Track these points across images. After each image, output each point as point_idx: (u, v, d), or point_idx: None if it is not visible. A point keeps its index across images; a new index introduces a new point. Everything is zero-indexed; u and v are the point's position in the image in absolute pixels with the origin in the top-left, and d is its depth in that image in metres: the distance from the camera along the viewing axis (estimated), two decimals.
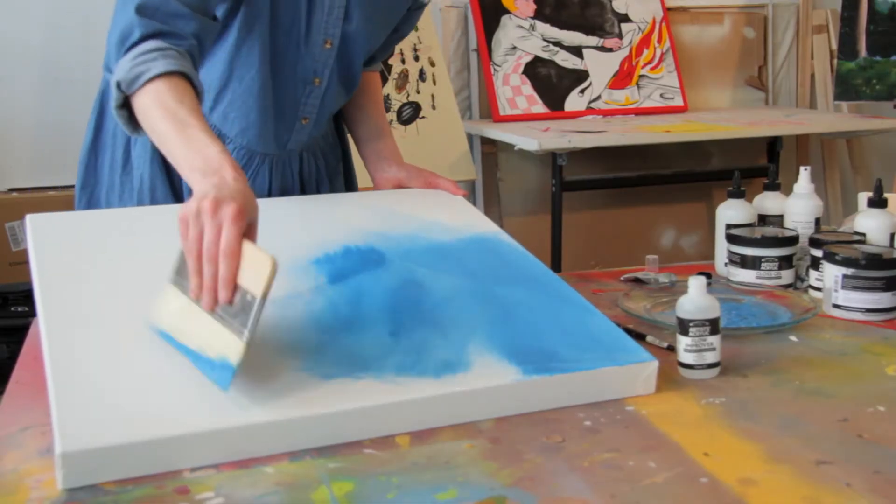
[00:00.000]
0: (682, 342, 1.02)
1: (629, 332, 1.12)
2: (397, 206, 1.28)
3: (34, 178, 2.88)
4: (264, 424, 0.83)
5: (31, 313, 2.39)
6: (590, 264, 3.35)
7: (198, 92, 1.09)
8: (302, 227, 1.17)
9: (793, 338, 1.16)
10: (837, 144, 3.63)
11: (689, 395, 0.98)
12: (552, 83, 3.22)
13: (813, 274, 1.33)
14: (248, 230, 0.89)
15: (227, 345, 0.85)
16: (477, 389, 0.90)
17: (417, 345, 0.95)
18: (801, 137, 3.58)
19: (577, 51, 3.27)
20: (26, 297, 2.61)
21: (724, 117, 3.21)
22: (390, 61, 2.85)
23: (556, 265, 2.89)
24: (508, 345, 0.97)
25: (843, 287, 1.23)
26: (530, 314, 1.03)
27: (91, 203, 1.33)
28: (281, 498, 0.76)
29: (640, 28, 3.37)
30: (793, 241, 1.35)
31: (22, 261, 2.61)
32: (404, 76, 2.87)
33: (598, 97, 3.28)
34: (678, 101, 3.37)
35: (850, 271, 1.22)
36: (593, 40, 3.31)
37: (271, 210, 1.19)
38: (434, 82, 2.91)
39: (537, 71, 3.21)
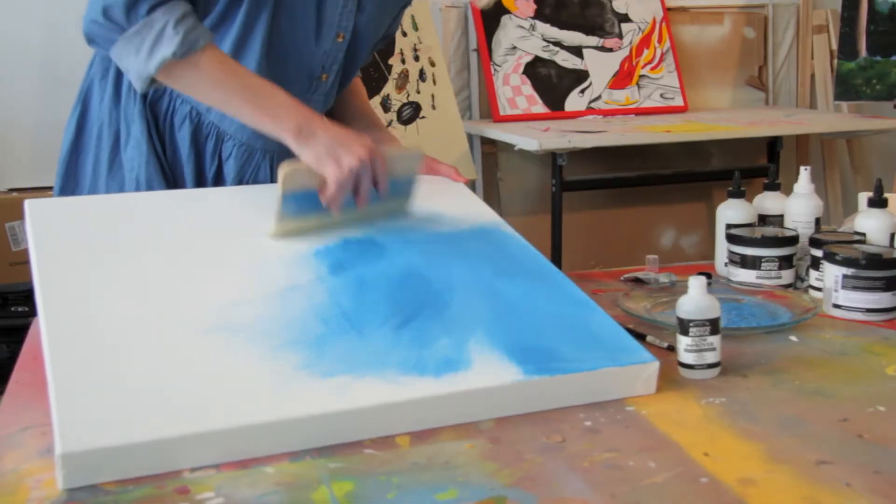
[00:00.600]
0: (683, 342, 1.02)
1: (629, 332, 1.12)
2: None
3: (34, 177, 2.88)
4: (264, 424, 0.83)
5: (32, 313, 2.39)
6: (590, 264, 3.35)
7: None
8: None
9: (793, 338, 1.16)
10: (837, 144, 3.63)
11: (690, 395, 0.98)
12: (552, 83, 3.22)
13: (813, 274, 1.33)
14: None
15: (391, 206, 1.20)
16: (477, 389, 0.90)
17: (419, 340, 0.95)
18: (802, 137, 3.58)
19: (577, 51, 3.27)
20: (26, 296, 2.61)
21: (725, 117, 3.21)
22: (390, 61, 2.85)
23: (556, 265, 2.87)
24: (509, 342, 0.97)
25: (844, 287, 1.23)
26: (531, 309, 1.03)
27: None
28: (281, 498, 0.76)
29: (640, 28, 3.37)
30: (793, 241, 1.35)
31: (22, 261, 2.61)
32: (404, 76, 2.87)
33: (599, 97, 3.28)
34: (678, 101, 3.38)
35: (850, 271, 1.22)
36: (593, 40, 3.31)
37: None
38: (434, 82, 2.92)
39: (537, 71, 3.21)
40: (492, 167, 3.28)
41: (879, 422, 0.91)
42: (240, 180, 1.29)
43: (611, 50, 3.33)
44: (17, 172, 2.90)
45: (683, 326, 1.02)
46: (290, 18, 1.23)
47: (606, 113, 3.26)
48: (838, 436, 0.88)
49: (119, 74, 1.27)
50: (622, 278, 1.44)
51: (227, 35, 1.22)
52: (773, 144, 3.36)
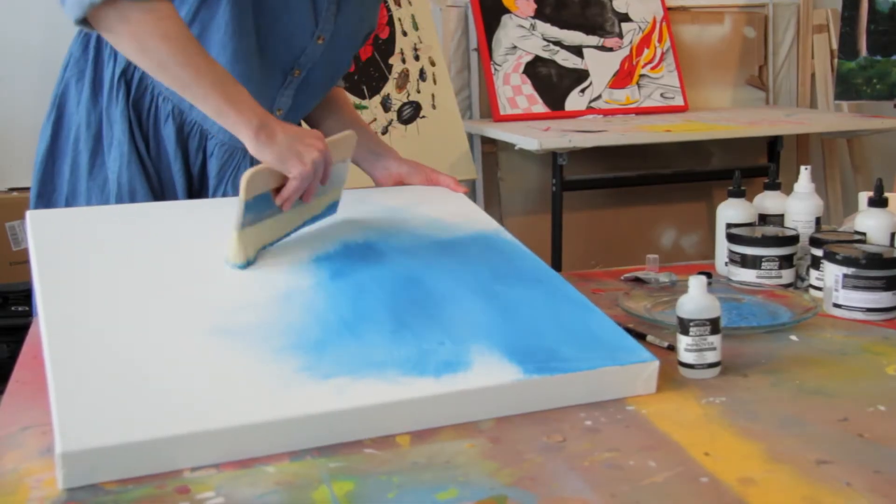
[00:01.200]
0: (683, 342, 1.02)
1: (629, 331, 1.12)
2: (397, 203, 1.28)
3: None
4: (265, 424, 0.83)
5: (32, 313, 2.39)
6: (590, 264, 3.35)
7: None
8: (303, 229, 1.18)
9: (793, 337, 1.16)
10: (838, 144, 3.63)
11: (690, 394, 0.98)
12: (552, 83, 3.22)
13: (813, 273, 1.33)
14: None
15: (329, 198, 1.21)
16: (477, 389, 0.90)
17: (418, 343, 0.95)
18: (802, 137, 3.58)
19: (577, 50, 3.27)
20: (26, 296, 2.61)
21: (725, 117, 3.21)
22: (390, 60, 2.85)
23: (556, 264, 2.89)
24: (509, 343, 0.97)
25: (844, 286, 1.23)
26: (531, 312, 1.03)
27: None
28: (281, 497, 0.76)
29: (640, 28, 3.37)
30: (793, 240, 1.35)
31: (22, 260, 2.61)
32: (405, 76, 2.87)
33: (599, 97, 3.28)
34: (678, 101, 3.38)
35: (850, 271, 1.22)
36: (594, 40, 3.31)
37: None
38: (434, 82, 2.91)
39: (538, 70, 3.21)
40: (492, 167, 3.28)
41: (880, 421, 0.91)
42: (220, 178, 1.29)
43: (611, 49, 3.33)
44: (17, 172, 2.90)
45: (684, 326, 1.02)
46: (270, 15, 1.23)
47: (607, 112, 3.26)
48: (838, 435, 0.88)
49: (96, 76, 1.27)
50: (622, 278, 1.44)
51: (208, 22, 1.20)
52: (773, 144, 3.36)
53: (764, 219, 1.45)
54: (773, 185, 1.47)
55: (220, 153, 1.29)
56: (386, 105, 2.82)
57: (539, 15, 3.22)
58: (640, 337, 1.13)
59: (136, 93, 1.25)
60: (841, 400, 0.96)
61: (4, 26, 2.85)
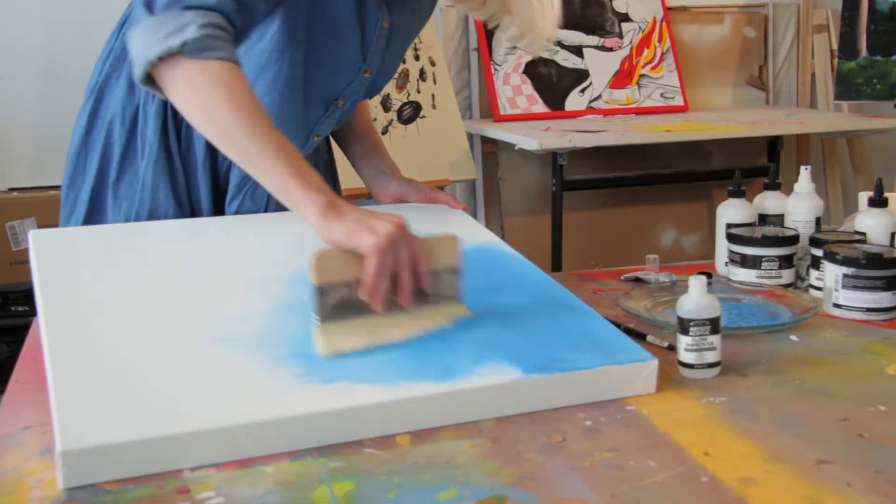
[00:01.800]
0: (683, 342, 1.02)
1: (629, 331, 1.12)
2: None
3: (34, 177, 2.89)
4: (265, 423, 0.83)
5: (32, 313, 2.39)
6: (590, 264, 3.35)
7: None
8: (303, 240, 1.17)
9: (793, 337, 1.16)
10: (838, 144, 3.63)
11: (690, 394, 0.98)
12: (552, 83, 3.22)
13: (813, 273, 1.33)
14: None
15: (449, 312, 1.03)
16: (477, 389, 0.90)
17: (418, 352, 0.95)
18: (802, 137, 3.58)
19: (577, 50, 3.27)
20: (26, 296, 2.62)
21: (725, 117, 3.21)
22: None
23: (556, 265, 2.89)
24: (510, 349, 0.97)
25: (844, 286, 1.23)
26: (531, 320, 1.04)
27: (78, 202, 1.30)
28: (281, 497, 0.77)
29: (640, 27, 3.37)
30: (793, 240, 1.35)
31: (22, 260, 2.61)
32: (405, 75, 2.87)
33: (599, 97, 3.28)
34: (678, 101, 3.38)
35: (850, 271, 1.22)
36: (594, 40, 3.31)
37: (274, 223, 1.20)
38: (434, 82, 2.92)
39: (538, 70, 3.21)
40: (492, 167, 3.28)
41: (880, 421, 0.91)
42: (240, 188, 1.28)
43: (611, 49, 3.33)
44: (17, 172, 2.91)
45: (684, 326, 1.02)
46: (319, 49, 1.22)
47: (607, 112, 3.26)
48: (839, 435, 0.88)
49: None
50: (622, 278, 1.44)
51: (255, 58, 1.19)
52: (773, 144, 3.36)
53: (764, 219, 1.45)
54: (773, 186, 1.47)
55: (238, 168, 1.27)
56: (386, 105, 2.82)
57: None
58: (640, 337, 1.13)
59: None
60: (841, 400, 0.96)
61: (4, 26, 2.85)
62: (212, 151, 1.26)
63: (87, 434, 0.79)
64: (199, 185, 1.27)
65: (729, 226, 1.41)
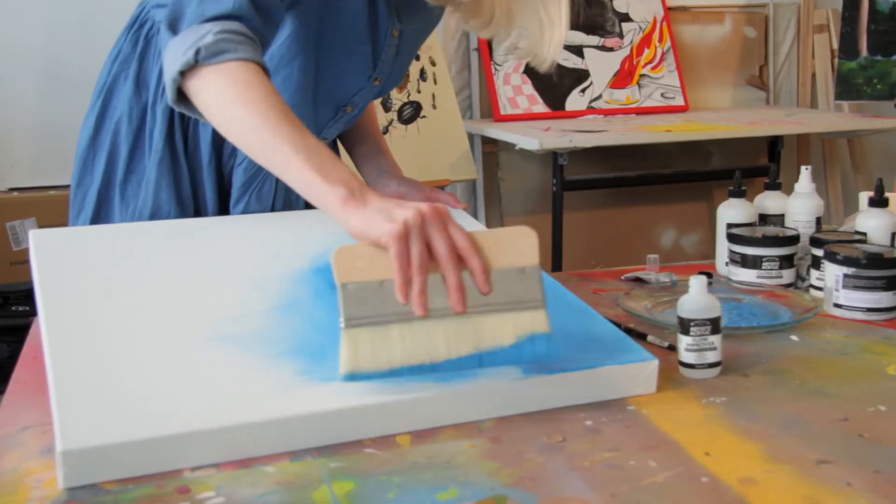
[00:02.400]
0: (683, 341, 1.02)
1: (630, 331, 1.12)
2: None
3: (35, 177, 2.89)
4: (265, 423, 0.83)
5: (32, 313, 2.39)
6: (591, 264, 3.35)
7: None
8: (303, 239, 1.17)
9: (794, 337, 1.16)
10: (838, 144, 3.63)
11: (690, 394, 0.98)
12: (553, 83, 3.22)
13: (814, 273, 1.33)
14: None
15: (524, 322, 0.89)
16: (478, 388, 0.90)
17: None
18: (802, 137, 3.58)
19: (577, 50, 3.27)
20: (27, 296, 2.62)
21: (725, 117, 3.21)
22: None
23: (556, 265, 2.89)
24: (510, 349, 0.96)
25: (844, 286, 1.23)
26: None
27: (86, 201, 1.30)
28: (281, 497, 0.76)
29: (640, 27, 3.37)
30: (794, 240, 1.35)
31: (23, 260, 2.61)
32: (405, 76, 2.87)
33: (599, 97, 3.28)
34: (679, 101, 3.38)
35: (851, 271, 1.22)
36: (594, 40, 3.31)
37: (274, 222, 1.20)
38: (435, 82, 2.92)
39: (538, 70, 3.20)
40: (492, 167, 3.28)
41: (880, 421, 0.91)
42: (245, 190, 1.28)
43: (611, 49, 3.33)
44: (17, 172, 2.91)
45: (684, 326, 1.02)
46: (330, 57, 1.22)
47: (607, 112, 3.26)
48: (839, 435, 0.87)
49: (141, 71, 1.27)
50: (623, 278, 1.44)
51: (267, 57, 1.18)
52: (773, 144, 3.36)
53: (764, 219, 1.45)
54: (774, 185, 1.47)
55: (249, 164, 1.26)
56: (386, 105, 2.82)
57: None
58: (640, 337, 1.13)
59: None
60: (841, 400, 0.96)
61: (4, 26, 2.85)
62: (217, 152, 1.26)
63: (88, 434, 0.79)
64: (205, 185, 1.27)
65: (729, 226, 1.41)
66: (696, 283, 1.03)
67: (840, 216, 3.46)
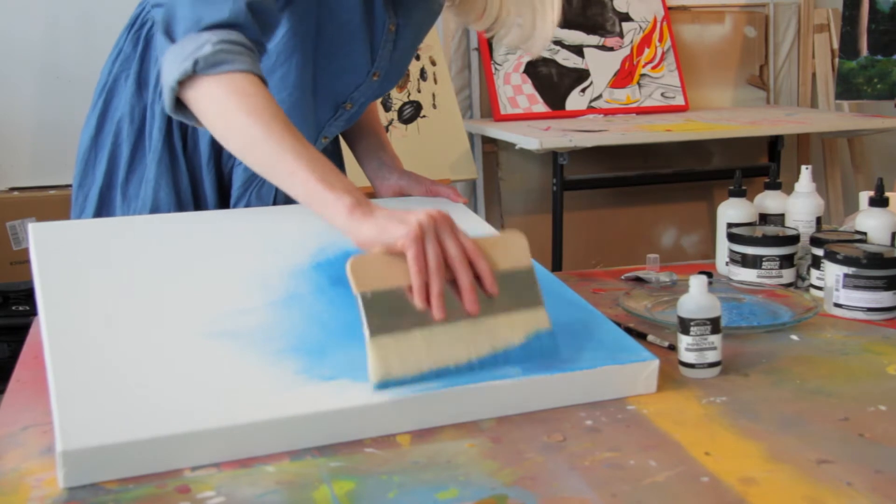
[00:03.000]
0: (683, 341, 1.02)
1: (630, 331, 1.12)
2: None
3: (35, 177, 2.89)
4: (265, 423, 0.83)
5: (33, 312, 2.39)
6: (591, 263, 3.35)
7: None
8: (302, 233, 1.17)
9: (794, 337, 1.16)
10: (839, 143, 3.63)
11: (690, 394, 0.98)
12: (553, 82, 3.22)
13: (814, 273, 1.33)
14: None
15: (529, 321, 0.93)
16: (478, 388, 0.90)
17: None
18: (803, 136, 3.58)
19: (578, 50, 3.27)
20: (27, 296, 2.62)
21: (726, 116, 3.21)
22: None
23: (557, 264, 2.89)
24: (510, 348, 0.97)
25: (845, 286, 1.23)
26: None
27: (87, 202, 1.30)
28: (282, 497, 0.77)
29: (641, 27, 3.37)
30: (794, 240, 1.35)
31: (23, 260, 2.61)
32: (405, 75, 2.87)
33: (599, 96, 3.28)
34: (679, 101, 3.37)
35: (851, 270, 1.22)
36: (594, 39, 3.31)
37: (274, 217, 1.19)
38: (435, 81, 2.92)
39: (538, 70, 3.20)
40: (493, 166, 3.28)
41: (880, 421, 0.91)
42: (245, 189, 1.28)
43: (612, 49, 3.33)
44: (17, 171, 2.91)
45: (684, 325, 1.02)
46: (325, 54, 1.22)
47: (607, 112, 3.26)
48: (839, 435, 0.87)
49: (142, 71, 1.27)
50: (623, 277, 1.44)
51: (265, 55, 1.18)
52: (774, 143, 3.36)
53: (765, 218, 1.45)
54: (774, 185, 1.47)
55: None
56: (386, 105, 2.82)
57: None
58: (640, 336, 1.13)
59: None
60: (842, 399, 0.96)
61: (4, 26, 2.85)
62: (216, 151, 1.26)
63: (88, 434, 0.79)
64: (205, 184, 1.27)
65: (730, 225, 1.41)
66: (697, 282, 1.03)
67: (840, 216, 3.46)
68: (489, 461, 0.82)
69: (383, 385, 0.87)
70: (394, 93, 2.83)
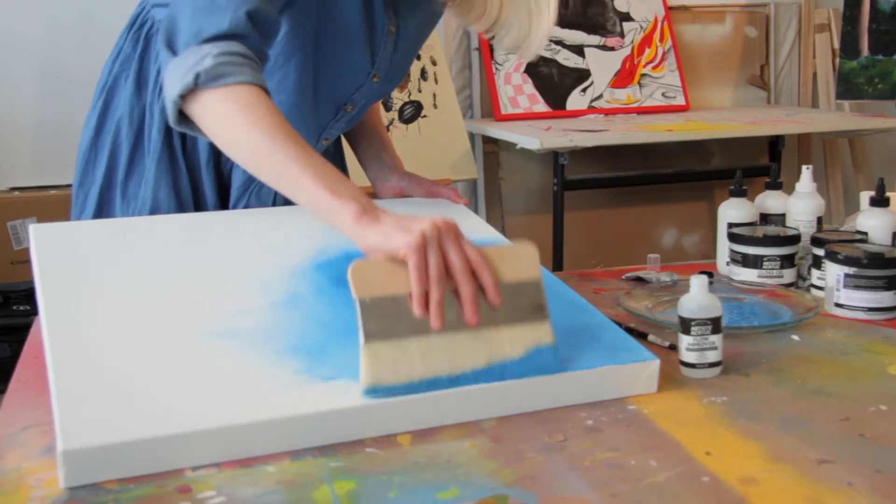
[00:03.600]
0: (684, 341, 1.02)
1: (631, 331, 1.12)
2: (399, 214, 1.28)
3: (35, 176, 2.89)
4: (266, 423, 0.83)
5: (33, 312, 2.39)
6: (591, 263, 3.35)
7: None
8: (303, 234, 1.17)
9: (794, 337, 1.16)
10: (839, 143, 3.63)
11: (691, 394, 0.98)
12: (554, 82, 3.22)
13: (815, 273, 1.33)
14: None
15: (531, 335, 0.91)
16: (478, 388, 0.90)
17: None
18: (803, 136, 3.58)
19: (578, 50, 3.27)
20: (28, 295, 2.62)
21: (726, 116, 3.21)
22: None
23: (557, 264, 2.89)
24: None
25: (845, 286, 1.23)
26: None
27: (87, 201, 1.30)
28: (282, 497, 0.76)
29: (641, 27, 3.37)
30: (795, 240, 1.35)
31: (24, 259, 2.61)
32: (406, 75, 2.87)
33: (600, 96, 3.28)
34: (680, 100, 3.37)
35: (851, 270, 1.22)
36: (595, 39, 3.31)
37: (275, 217, 1.20)
38: (436, 81, 2.91)
39: (539, 70, 3.20)
40: (493, 166, 3.28)
41: (881, 421, 0.91)
42: (244, 190, 1.28)
43: (612, 49, 3.33)
44: (18, 171, 2.91)
45: (685, 325, 1.02)
46: (325, 55, 1.22)
47: (608, 112, 3.26)
48: (840, 435, 0.87)
49: (141, 71, 1.27)
50: (624, 277, 1.44)
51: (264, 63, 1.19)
52: (774, 143, 3.36)
53: (765, 218, 1.45)
54: (775, 185, 1.47)
55: None
56: (387, 104, 2.82)
57: None
58: (641, 336, 1.13)
59: None
60: (842, 399, 0.96)
61: (4, 26, 2.86)
62: (215, 151, 1.26)
63: (89, 434, 0.79)
64: (204, 185, 1.27)
65: (730, 225, 1.41)
66: (697, 282, 1.03)
67: (841, 216, 3.46)
68: (490, 461, 0.82)
69: (371, 391, 0.87)
70: (394, 93, 2.83)
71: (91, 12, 2.86)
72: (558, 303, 1.07)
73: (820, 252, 1.30)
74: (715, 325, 1.02)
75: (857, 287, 1.22)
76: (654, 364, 0.97)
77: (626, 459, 0.82)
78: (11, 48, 2.86)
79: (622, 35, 3.34)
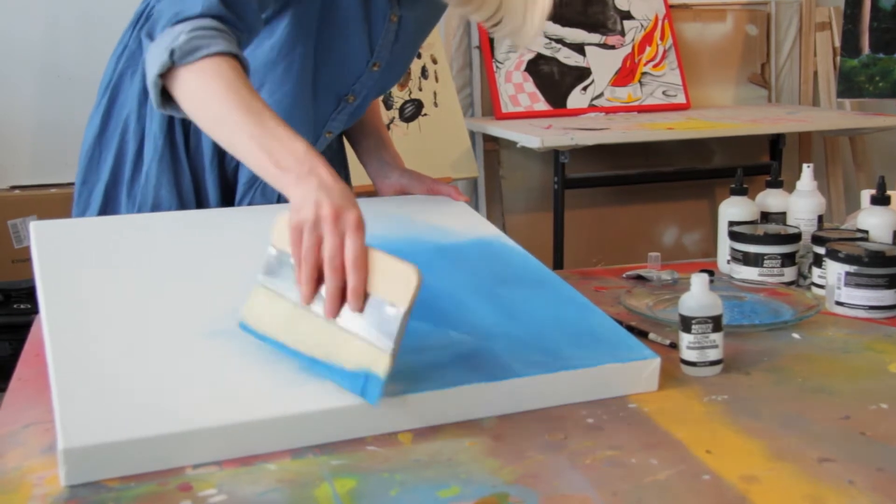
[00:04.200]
0: (685, 339, 1.02)
1: (631, 329, 1.12)
2: (399, 211, 1.28)
3: (36, 175, 2.89)
4: (266, 421, 0.83)
5: (34, 310, 2.39)
6: (592, 262, 3.35)
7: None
8: None
9: (795, 335, 1.16)
10: (840, 142, 3.63)
11: (692, 392, 0.98)
12: (554, 80, 3.22)
13: (816, 271, 1.33)
14: None
15: (368, 357, 0.85)
16: (479, 387, 0.90)
17: (421, 348, 0.95)
18: (804, 135, 3.57)
19: (579, 48, 3.27)
20: (29, 294, 2.62)
21: (727, 115, 3.21)
22: None
23: (558, 262, 2.89)
24: (511, 345, 0.97)
25: (846, 284, 1.23)
26: (532, 313, 1.03)
27: (92, 199, 1.30)
28: (283, 495, 0.77)
29: (642, 25, 3.37)
30: (795, 238, 1.35)
31: (24, 258, 2.61)
32: (406, 73, 2.87)
33: (601, 94, 3.27)
34: (681, 99, 3.37)
35: (852, 269, 1.22)
36: (596, 37, 3.31)
37: (276, 214, 1.19)
38: (436, 79, 2.91)
39: (539, 68, 3.20)
40: (494, 165, 3.28)
41: (882, 419, 0.91)
42: (250, 185, 1.28)
43: (613, 47, 3.33)
44: (18, 170, 2.91)
45: (686, 324, 1.02)
46: (326, 44, 1.22)
47: (609, 110, 3.26)
48: (841, 433, 0.87)
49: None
50: (624, 275, 1.44)
51: (264, 55, 1.19)
52: (775, 142, 3.35)
53: (766, 216, 1.45)
54: (776, 183, 1.47)
55: None
56: (388, 103, 2.82)
57: None
58: (642, 335, 1.13)
59: None
60: (843, 398, 0.96)
61: (4, 26, 2.85)
62: (219, 150, 1.26)
63: (89, 432, 0.79)
64: (208, 183, 1.27)
65: (731, 223, 1.41)
66: (698, 280, 1.03)
67: (842, 214, 3.46)
68: (491, 459, 0.82)
69: (242, 327, 0.93)
70: (395, 91, 2.83)
71: (91, 12, 2.85)
72: (559, 300, 1.07)
73: (821, 250, 1.30)
74: (716, 323, 1.02)
75: (858, 285, 1.22)
76: (655, 362, 0.97)
77: (627, 458, 0.82)
78: (11, 48, 2.86)
79: (623, 33, 3.34)
